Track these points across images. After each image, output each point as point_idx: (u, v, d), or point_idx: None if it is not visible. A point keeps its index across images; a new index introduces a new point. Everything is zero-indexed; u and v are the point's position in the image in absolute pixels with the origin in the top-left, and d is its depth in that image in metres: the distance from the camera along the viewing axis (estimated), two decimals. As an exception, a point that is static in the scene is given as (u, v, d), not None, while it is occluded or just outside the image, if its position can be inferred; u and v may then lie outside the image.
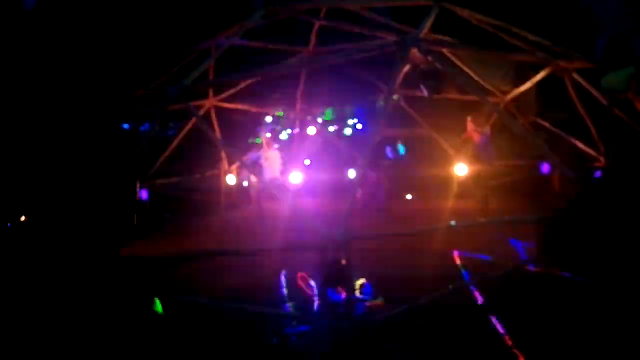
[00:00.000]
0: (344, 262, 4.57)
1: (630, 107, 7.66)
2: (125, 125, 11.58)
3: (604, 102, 7.95)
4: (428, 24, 6.16)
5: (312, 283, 5.54)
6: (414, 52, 5.89)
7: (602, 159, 8.67)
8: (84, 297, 4.93)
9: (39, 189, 8.02)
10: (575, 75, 8.10)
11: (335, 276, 4.64)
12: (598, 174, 8.61)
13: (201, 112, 10.16)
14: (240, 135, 12.40)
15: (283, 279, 5.96)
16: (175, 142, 10.20)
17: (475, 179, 9.11)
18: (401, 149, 12.10)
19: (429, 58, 5.98)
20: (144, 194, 9.54)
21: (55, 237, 6.54)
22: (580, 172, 8.09)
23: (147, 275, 5.84)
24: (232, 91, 10.64)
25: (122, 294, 5.00)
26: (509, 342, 4.13)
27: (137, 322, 4.61)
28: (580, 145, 9.06)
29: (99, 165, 8.73)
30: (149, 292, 4.91)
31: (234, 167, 11.31)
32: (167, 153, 10.07)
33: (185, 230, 9.06)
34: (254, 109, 11.87)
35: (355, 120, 13.51)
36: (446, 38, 8.25)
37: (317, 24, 9.43)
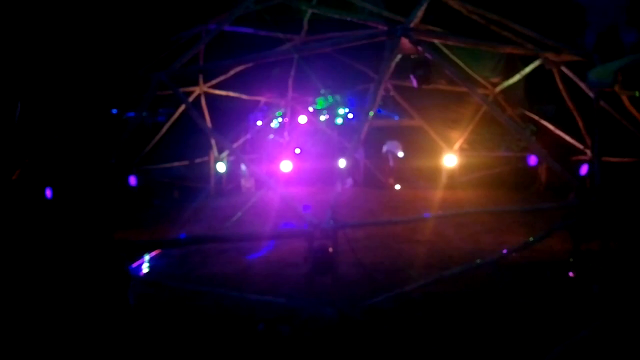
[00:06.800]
0: (330, 250, 4.61)
1: (617, 101, 7.75)
2: (113, 111, 11.49)
3: (591, 95, 8.00)
4: (419, 13, 6.16)
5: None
6: (404, 41, 5.89)
7: (588, 152, 8.75)
8: (71, 283, 4.92)
9: (25, 175, 7.96)
10: (564, 68, 8.14)
11: (322, 264, 4.67)
12: (585, 166, 8.69)
13: (191, 99, 10.09)
14: (231, 122, 12.34)
15: (270, 265, 5.99)
16: (164, 129, 10.13)
17: None
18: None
19: (419, 48, 5.98)
20: (132, 181, 9.51)
21: (41, 223, 6.50)
22: (567, 164, 8.17)
23: (133, 261, 5.85)
24: (222, 78, 10.58)
25: (108, 279, 5.00)
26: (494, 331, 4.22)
27: (119, 309, 4.62)
28: (568, 138, 9.13)
29: (87, 152, 8.67)
30: (131, 278, 4.91)
31: (224, 154, 11.27)
32: (156, 139, 10.01)
33: (173, 217, 9.05)
34: (244, 97, 11.81)
35: (347, 110, 13.46)
36: (437, 29, 8.25)
37: (309, 12, 9.38)
